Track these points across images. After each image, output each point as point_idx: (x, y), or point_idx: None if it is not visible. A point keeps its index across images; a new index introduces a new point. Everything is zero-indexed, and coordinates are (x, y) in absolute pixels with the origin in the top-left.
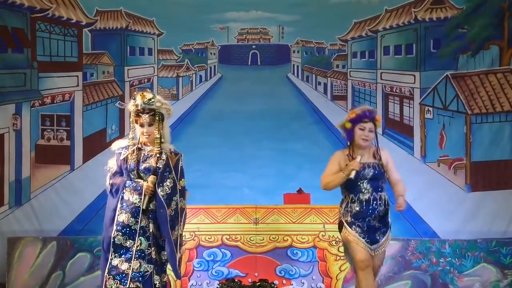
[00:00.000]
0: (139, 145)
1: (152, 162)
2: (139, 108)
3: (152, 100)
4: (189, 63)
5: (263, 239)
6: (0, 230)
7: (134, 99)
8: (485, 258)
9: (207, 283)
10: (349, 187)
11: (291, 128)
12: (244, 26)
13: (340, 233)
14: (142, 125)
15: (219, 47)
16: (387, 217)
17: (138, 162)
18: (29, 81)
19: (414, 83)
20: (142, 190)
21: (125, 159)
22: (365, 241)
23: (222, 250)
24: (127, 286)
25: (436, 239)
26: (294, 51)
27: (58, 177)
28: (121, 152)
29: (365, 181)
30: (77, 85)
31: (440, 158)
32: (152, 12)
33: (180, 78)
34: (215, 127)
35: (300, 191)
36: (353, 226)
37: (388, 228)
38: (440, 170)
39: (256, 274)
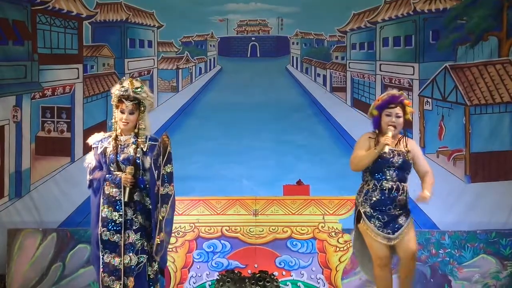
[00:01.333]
0: (117, 135)
1: (130, 151)
2: (124, 93)
3: (140, 89)
4: (188, 55)
5: (262, 231)
6: (0, 221)
7: (121, 83)
8: (484, 249)
9: (207, 274)
10: (374, 171)
11: (291, 120)
12: (244, 18)
13: (357, 224)
14: (122, 112)
15: (219, 39)
16: (407, 205)
17: (117, 154)
18: (30, 73)
19: (413, 74)
20: (120, 183)
21: (103, 152)
22: (386, 232)
23: (222, 241)
24: (122, 282)
25: (435, 230)
26: (293, 43)
27: (58, 169)
28: (97, 146)
29: (392, 169)
30: (78, 77)
31: (439, 150)
32: (152, 5)
33: (180, 70)
34: (215, 119)
35: (299, 182)
36: (372, 219)
37: (409, 212)
38: (439, 162)
39: (256, 265)
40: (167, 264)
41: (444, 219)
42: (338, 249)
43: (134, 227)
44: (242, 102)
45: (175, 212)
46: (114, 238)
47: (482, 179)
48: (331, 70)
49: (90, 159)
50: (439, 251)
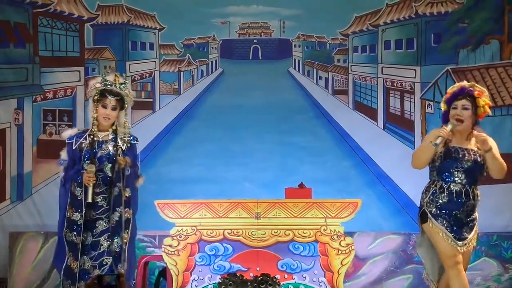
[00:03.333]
0: (93, 131)
1: (109, 148)
2: (108, 87)
3: (124, 85)
4: (190, 57)
5: (264, 234)
6: (1, 224)
7: (104, 77)
8: (486, 252)
9: (209, 277)
10: (441, 171)
11: (292, 122)
12: (245, 20)
13: (421, 224)
14: (105, 106)
15: (220, 41)
16: (475, 211)
17: (93, 150)
18: (31, 76)
19: (415, 77)
20: (82, 181)
21: (78, 148)
22: (453, 236)
23: (224, 244)
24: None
25: None
26: (295, 46)
27: (60, 171)
28: (72, 141)
29: (461, 170)
30: (79, 80)
31: None
32: (154, 7)
33: (182, 73)
34: (217, 121)
35: (301, 185)
36: (439, 219)
37: (475, 223)
38: None
39: (258, 268)
40: (170, 267)
41: None
42: (340, 252)
43: (94, 230)
44: (244, 104)
45: (177, 215)
46: (75, 240)
47: (483, 182)
48: (333, 73)
49: (65, 156)
50: None
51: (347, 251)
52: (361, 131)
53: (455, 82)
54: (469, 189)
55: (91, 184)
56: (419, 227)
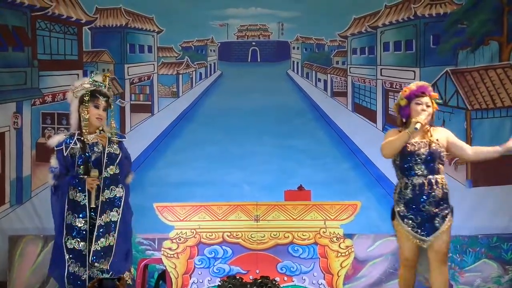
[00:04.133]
0: (83, 133)
1: (100, 148)
2: (97, 88)
3: (110, 87)
4: (189, 60)
5: (264, 236)
6: (1, 228)
7: (93, 78)
8: (486, 253)
9: (208, 280)
10: (403, 168)
11: (291, 125)
12: (244, 22)
13: (392, 221)
14: (97, 107)
15: (219, 44)
16: (446, 200)
17: (86, 154)
18: (30, 79)
19: (414, 79)
20: (85, 186)
21: (70, 154)
22: (420, 234)
23: (223, 247)
24: None
25: None
26: (293, 48)
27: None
28: (62, 148)
29: (420, 162)
30: None
31: None
32: (152, 10)
33: (180, 76)
34: (215, 124)
35: (300, 187)
36: (405, 220)
37: (448, 212)
38: None
39: (258, 271)
40: (169, 270)
41: None
42: (339, 254)
43: (100, 233)
44: (242, 107)
45: (177, 218)
46: (80, 246)
47: (483, 184)
48: (331, 75)
49: (55, 163)
50: None
51: (347, 253)
52: (360, 133)
53: (454, 84)
54: (431, 179)
55: (94, 188)
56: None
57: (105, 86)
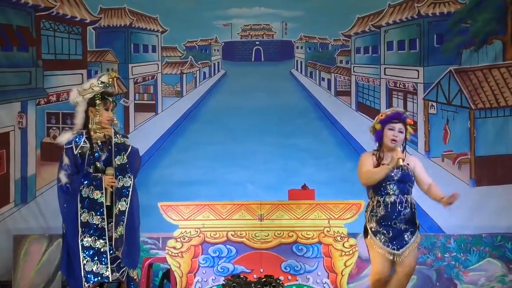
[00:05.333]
0: (90, 133)
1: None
2: (107, 90)
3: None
4: (193, 60)
5: (268, 235)
6: (6, 227)
7: (101, 79)
8: (490, 253)
9: (212, 279)
10: (376, 188)
11: (295, 124)
12: (248, 22)
13: (365, 238)
14: (107, 109)
15: (223, 43)
16: (414, 219)
17: (94, 154)
18: (34, 79)
19: (418, 78)
20: (102, 184)
21: (79, 153)
22: (391, 248)
23: (227, 246)
24: None
25: (441, 234)
26: (297, 47)
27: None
28: (72, 146)
29: (392, 182)
30: (82, 83)
31: (444, 153)
32: (156, 9)
33: (184, 75)
34: (219, 123)
35: (304, 186)
36: (378, 235)
37: (416, 228)
38: (444, 165)
39: (262, 270)
40: (174, 269)
41: (449, 223)
42: (343, 253)
43: (109, 232)
44: (246, 106)
45: (181, 217)
46: (97, 244)
47: (487, 183)
48: (335, 74)
49: (68, 161)
50: (445, 255)
51: (351, 252)
52: (364, 132)
53: (458, 83)
54: (402, 198)
55: (112, 186)
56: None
57: (113, 86)
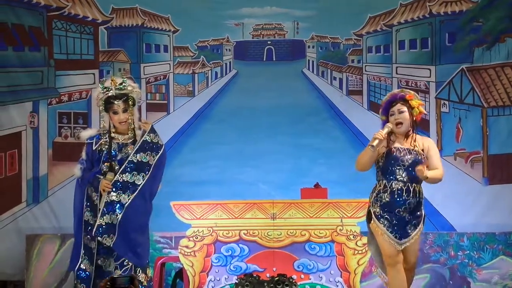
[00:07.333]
0: (112, 133)
1: (129, 151)
2: (110, 94)
3: (124, 84)
4: (204, 59)
5: (280, 234)
6: (18, 227)
7: (103, 85)
8: (503, 250)
9: (225, 278)
10: (384, 171)
11: (307, 123)
12: (259, 22)
13: (368, 223)
14: (116, 113)
15: (234, 43)
16: (419, 209)
17: (111, 152)
18: (46, 79)
19: (430, 77)
20: (99, 187)
21: (98, 150)
22: (393, 235)
23: (240, 245)
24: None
25: (454, 232)
26: (309, 46)
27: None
28: (92, 142)
29: (403, 168)
30: (94, 83)
31: (456, 152)
32: (168, 9)
33: (196, 75)
34: (231, 123)
35: (317, 185)
36: (381, 219)
37: (420, 220)
38: (457, 164)
39: (274, 269)
40: (186, 268)
41: (462, 221)
42: (356, 252)
43: (109, 233)
44: (258, 106)
45: (194, 216)
46: (91, 244)
47: (499, 181)
48: (347, 74)
49: (85, 156)
50: (458, 253)
51: (364, 251)
52: (376, 131)
53: (470, 81)
54: (410, 186)
55: (106, 191)
56: (367, 226)
57: (117, 87)
